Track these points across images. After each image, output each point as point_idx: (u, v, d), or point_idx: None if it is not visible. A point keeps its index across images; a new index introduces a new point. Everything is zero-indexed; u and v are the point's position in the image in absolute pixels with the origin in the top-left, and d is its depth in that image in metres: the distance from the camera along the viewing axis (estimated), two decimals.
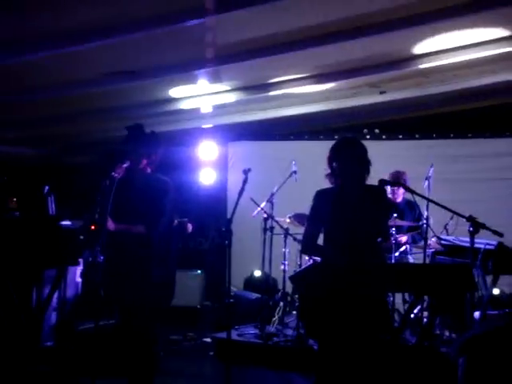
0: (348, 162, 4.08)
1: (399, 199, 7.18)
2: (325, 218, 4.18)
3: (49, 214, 5.88)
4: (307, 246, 4.36)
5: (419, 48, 5.74)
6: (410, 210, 7.17)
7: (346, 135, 4.34)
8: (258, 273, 8.63)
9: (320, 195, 4.20)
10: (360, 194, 4.14)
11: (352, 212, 4.09)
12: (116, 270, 4.50)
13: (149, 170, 4.65)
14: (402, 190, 7.12)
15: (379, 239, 4.33)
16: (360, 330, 3.89)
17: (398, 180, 6.60)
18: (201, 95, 7.23)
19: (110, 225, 4.32)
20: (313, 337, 4.87)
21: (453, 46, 5.72)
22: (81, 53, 5.28)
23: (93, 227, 4.36)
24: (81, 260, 6.16)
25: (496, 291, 6.83)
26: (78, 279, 6.56)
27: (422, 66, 6.15)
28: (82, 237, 5.02)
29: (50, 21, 4.76)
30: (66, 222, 5.76)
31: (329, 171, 4.19)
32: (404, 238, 6.88)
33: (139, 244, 4.48)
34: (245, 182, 4.87)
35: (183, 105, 7.52)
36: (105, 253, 4.45)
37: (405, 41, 5.59)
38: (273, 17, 4.85)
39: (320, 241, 4.30)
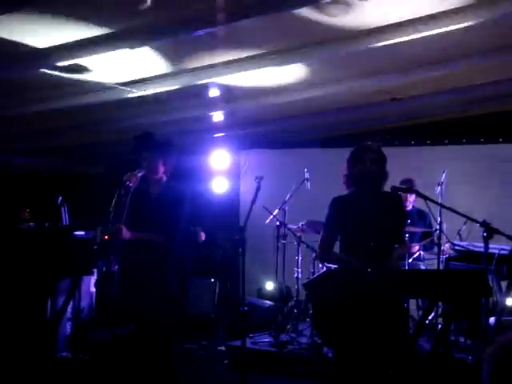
0: (366, 168, 4.06)
1: (409, 207, 7.14)
2: (341, 225, 4.17)
3: (62, 224, 5.91)
4: (324, 253, 4.34)
5: (431, 55, 5.72)
6: (419, 218, 7.13)
7: (364, 142, 4.26)
8: (271, 281, 8.61)
9: (336, 202, 4.19)
10: (376, 201, 4.12)
11: (368, 218, 4.07)
12: (132, 280, 4.48)
13: (164, 179, 4.64)
14: (412, 198, 7.08)
15: (396, 245, 4.32)
16: (376, 337, 3.88)
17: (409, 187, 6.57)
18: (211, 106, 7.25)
19: (126, 233, 4.30)
20: (328, 344, 4.85)
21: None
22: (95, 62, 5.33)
23: (106, 237, 4.37)
24: (95, 270, 6.19)
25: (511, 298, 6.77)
26: (93, 289, 6.58)
27: (434, 73, 6.14)
28: (95, 247, 5.03)
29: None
30: (80, 232, 5.80)
31: (346, 172, 4.17)
32: (416, 248, 6.83)
33: (156, 253, 4.47)
34: (257, 189, 4.87)
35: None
36: (119, 262, 4.44)
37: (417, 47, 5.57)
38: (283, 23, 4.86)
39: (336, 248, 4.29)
